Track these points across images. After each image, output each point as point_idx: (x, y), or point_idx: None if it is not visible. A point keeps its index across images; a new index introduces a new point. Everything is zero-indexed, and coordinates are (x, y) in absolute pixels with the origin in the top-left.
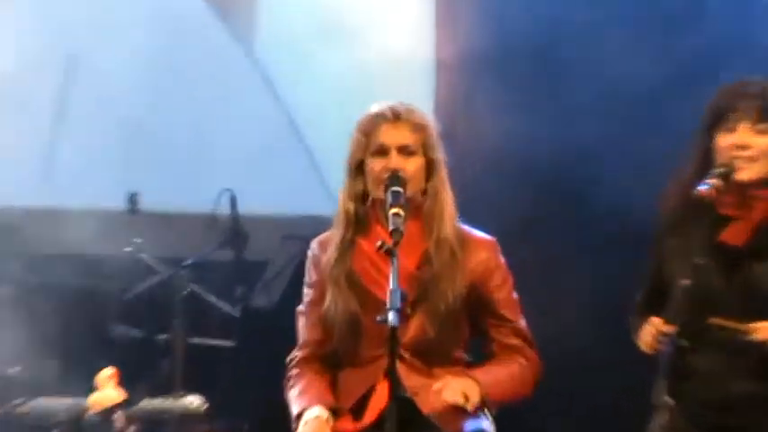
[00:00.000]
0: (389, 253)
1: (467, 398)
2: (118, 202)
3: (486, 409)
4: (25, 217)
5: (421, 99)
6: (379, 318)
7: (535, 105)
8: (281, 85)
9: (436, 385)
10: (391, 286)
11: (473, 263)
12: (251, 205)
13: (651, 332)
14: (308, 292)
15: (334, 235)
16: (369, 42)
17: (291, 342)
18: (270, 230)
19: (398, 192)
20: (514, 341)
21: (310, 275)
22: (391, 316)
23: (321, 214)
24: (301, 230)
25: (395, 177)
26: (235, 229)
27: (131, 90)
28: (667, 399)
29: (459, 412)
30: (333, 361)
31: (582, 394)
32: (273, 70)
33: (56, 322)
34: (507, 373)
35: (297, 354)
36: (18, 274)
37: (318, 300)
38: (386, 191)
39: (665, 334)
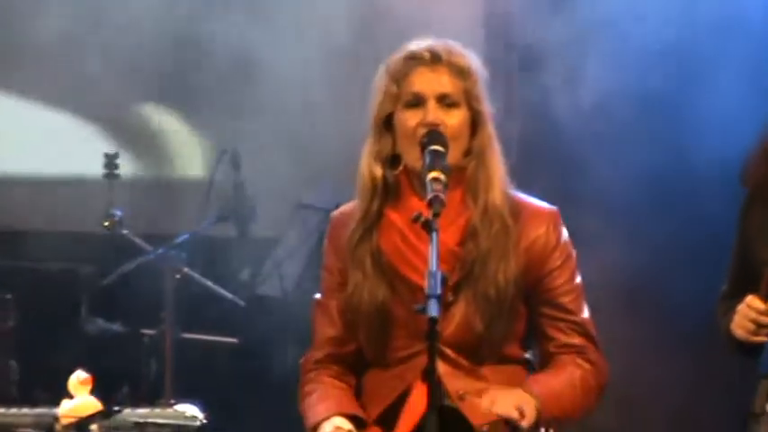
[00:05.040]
0: (428, 227)
1: (522, 413)
2: (92, 167)
3: (543, 428)
4: None
5: None
6: (415, 307)
7: None
8: None
9: (483, 400)
10: (431, 268)
11: (529, 238)
12: (256, 168)
13: (747, 314)
14: (326, 278)
15: (357, 206)
16: None
17: (308, 338)
18: (281, 199)
19: (439, 152)
20: (575, 339)
21: (329, 257)
22: (431, 304)
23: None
24: (320, 198)
25: (434, 134)
26: (238, 198)
27: None
28: None
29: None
30: (357, 361)
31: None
32: None
33: (16, 315)
34: (568, 384)
35: (313, 353)
36: None
37: (339, 287)
38: (423, 150)
39: (765, 313)
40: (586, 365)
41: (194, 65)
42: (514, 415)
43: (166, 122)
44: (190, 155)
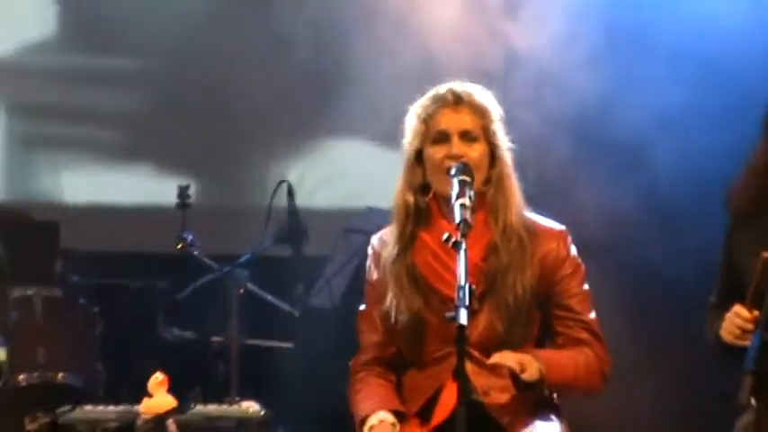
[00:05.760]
0: (457, 246)
1: (523, 368)
2: (167, 197)
3: (547, 392)
4: (69, 213)
5: None
6: (447, 315)
7: None
8: None
9: (493, 357)
10: (460, 282)
11: (542, 253)
12: (310, 197)
13: (734, 321)
14: (368, 291)
15: (393, 230)
16: None
17: (354, 342)
18: (330, 224)
19: (467, 181)
20: (583, 335)
21: (370, 273)
22: (461, 313)
23: (385, 206)
24: (364, 223)
25: (462, 167)
26: (293, 223)
27: None
28: (752, 399)
29: (528, 413)
30: (397, 363)
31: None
32: None
33: (103, 325)
34: (571, 357)
35: (360, 356)
36: (63, 274)
37: (380, 299)
38: (451, 180)
39: (750, 320)
40: (591, 353)
41: None
42: (516, 367)
43: None
44: None
